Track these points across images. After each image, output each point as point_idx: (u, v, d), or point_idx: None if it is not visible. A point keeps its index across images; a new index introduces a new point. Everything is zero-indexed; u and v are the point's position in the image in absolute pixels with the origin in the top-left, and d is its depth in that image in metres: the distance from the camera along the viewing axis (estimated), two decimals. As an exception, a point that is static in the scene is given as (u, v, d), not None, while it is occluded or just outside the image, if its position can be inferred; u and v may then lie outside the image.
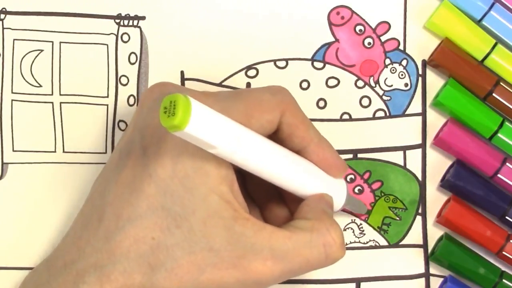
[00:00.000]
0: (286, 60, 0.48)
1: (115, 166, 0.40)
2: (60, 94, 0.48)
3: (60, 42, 0.48)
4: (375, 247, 0.48)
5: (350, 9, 0.48)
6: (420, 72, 0.48)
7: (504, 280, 0.47)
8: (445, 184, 0.48)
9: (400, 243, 0.48)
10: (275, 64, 0.48)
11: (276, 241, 0.38)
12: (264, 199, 0.45)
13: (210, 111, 0.35)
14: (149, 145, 0.38)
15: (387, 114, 0.48)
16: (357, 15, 0.48)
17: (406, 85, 0.48)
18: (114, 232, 0.38)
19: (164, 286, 0.38)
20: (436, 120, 0.48)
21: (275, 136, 0.41)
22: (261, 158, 0.38)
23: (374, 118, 0.48)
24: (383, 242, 0.48)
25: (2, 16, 0.48)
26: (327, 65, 0.48)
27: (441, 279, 0.48)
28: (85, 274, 0.38)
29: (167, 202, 0.37)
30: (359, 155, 0.48)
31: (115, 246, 0.38)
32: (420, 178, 0.48)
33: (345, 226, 0.48)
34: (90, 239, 0.39)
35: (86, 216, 0.40)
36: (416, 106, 0.48)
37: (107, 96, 0.48)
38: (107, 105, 0.48)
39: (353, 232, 0.48)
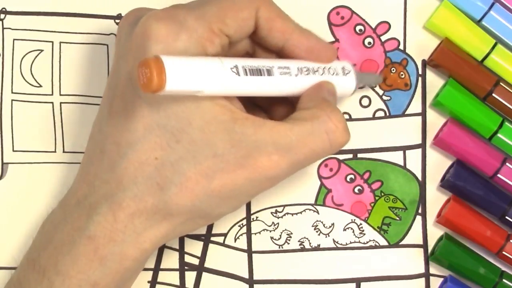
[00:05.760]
0: (286, 60, 0.48)
1: (107, 99, 0.40)
2: (60, 94, 0.48)
3: (60, 42, 0.48)
4: (375, 247, 0.48)
5: (350, 9, 0.48)
6: (420, 72, 0.48)
7: (504, 280, 0.47)
8: (445, 184, 0.48)
9: (400, 243, 0.48)
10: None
11: (278, 134, 0.38)
12: (268, 101, 0.44)
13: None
14: (133, 69, 0.38)
15: (387, 114, 0.48)
16: (357, 15, 0.48)
17: (406, 85, 0.48)
18: (118, 160, 0.38)
19: (177, 203, 0.38)
20: (436, 120, 0.48)
21: (256, 36, 0.41)
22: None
23: (374, 118, 0.48)
24: (383, 242, 0.48)
25: (2, 16, 0.48)
26: (327, 65, 0.48)
27: (441, 279, 0.48)
28: (97, 206, 0.38)
29: (161, 119, 0.37)
30: (359, 155, 0.48)
31: (121, 174, 0.38)
32: (420, 178, 0.48)
33: (345, 226, 0.48)
34: (97, 172, 0.39)
35: (90, 153, 0.40)
36: (416, 106, 0.48)
37: (107, 96, 0.48)
38: (107, 105, 0.48)
39: (353, 232, 0.48)
